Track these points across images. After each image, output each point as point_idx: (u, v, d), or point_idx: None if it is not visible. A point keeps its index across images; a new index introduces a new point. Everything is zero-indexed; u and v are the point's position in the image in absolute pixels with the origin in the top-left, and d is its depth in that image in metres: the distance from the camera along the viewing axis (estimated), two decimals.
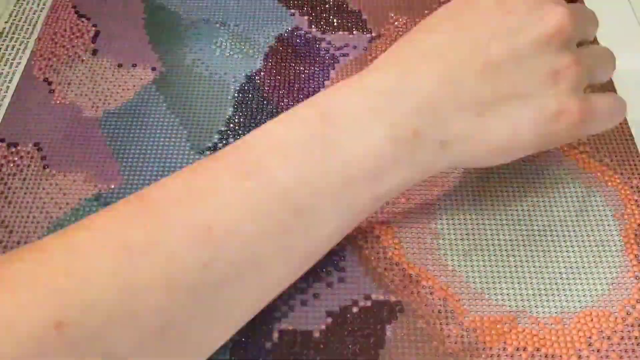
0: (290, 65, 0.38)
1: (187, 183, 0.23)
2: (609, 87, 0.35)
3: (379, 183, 0.25)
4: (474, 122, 0.26)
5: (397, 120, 0.24)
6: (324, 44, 0.39)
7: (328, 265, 0.29)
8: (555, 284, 0.29)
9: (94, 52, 0.39)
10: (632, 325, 0.27)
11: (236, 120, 0.35)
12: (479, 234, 0.30)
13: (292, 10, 0.41)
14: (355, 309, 0.28)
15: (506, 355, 0.27)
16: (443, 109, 0.25)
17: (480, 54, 0.25)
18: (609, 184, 0.32)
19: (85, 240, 0.21)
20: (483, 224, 0.31)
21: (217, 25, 0.40)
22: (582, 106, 0.27)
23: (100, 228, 0.22)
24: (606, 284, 0.29)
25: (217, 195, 0.23)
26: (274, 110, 0.36)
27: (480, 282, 0.29)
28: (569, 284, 0.29)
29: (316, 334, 0.27)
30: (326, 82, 0.37)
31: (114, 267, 0.20)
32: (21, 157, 0.34)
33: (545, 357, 0.27)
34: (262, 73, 0.37)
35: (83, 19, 0.40)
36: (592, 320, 0.28)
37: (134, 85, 0.37)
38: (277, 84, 0.37)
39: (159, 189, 0.23)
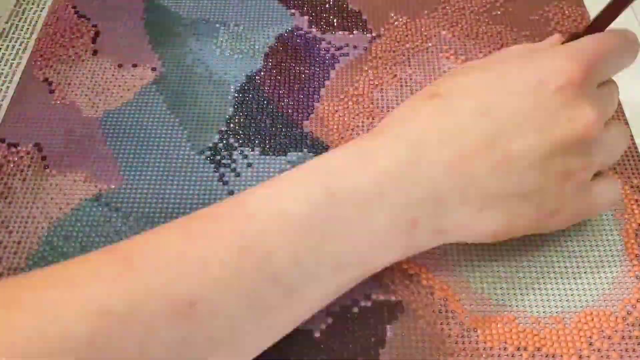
0: (291, 65, 0.38)
1: (178, 248, 0.22)
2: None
3: (369, 264, 0.25)
4: (473, 215, 0.25)
5: (399, 210, 0.24)
6: (324, 44, 0.39)
7: None
8: (556, 284, 0.29)
9: (94, 52, 0.39)
10: (632, 325, 0.27)
11: (236, 120, 0.35)
12: None
13: (292, 10, 0.41)
14: (355, 309, 0.28)
15: (506, 355, 0.27)
16: (447, 202, 0.24)
17: (500, 149, 0.24)
18: None
19: (63, 301, 0.20)
20: None
21: (217, 25, 0.40)
22: (579, 208, 0.27)
23: (80, 289, 0.21)
24: (606, 283, 0.29)
25: (207, 269, 0.22)
26: (274, 110, 0.36)
27: (480, 282, 0.29)
28: (569, 284, 0.29)
29: (317, 334, 0.27)
30: (326, 82, 0.37)
31: (89, 334, 0.19)
32: (21, 157, 0.34)
33: (546, 356, 0.27)
34: (262, 73, 0.37)
35: (83, 19, 0.40)
36: (592, 319, 0.28)
37: (134, 85, 0.37)
38: (277, 84, 0.37)
39: (148, 251, 0.22)
